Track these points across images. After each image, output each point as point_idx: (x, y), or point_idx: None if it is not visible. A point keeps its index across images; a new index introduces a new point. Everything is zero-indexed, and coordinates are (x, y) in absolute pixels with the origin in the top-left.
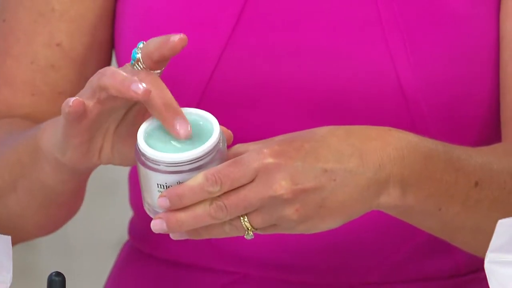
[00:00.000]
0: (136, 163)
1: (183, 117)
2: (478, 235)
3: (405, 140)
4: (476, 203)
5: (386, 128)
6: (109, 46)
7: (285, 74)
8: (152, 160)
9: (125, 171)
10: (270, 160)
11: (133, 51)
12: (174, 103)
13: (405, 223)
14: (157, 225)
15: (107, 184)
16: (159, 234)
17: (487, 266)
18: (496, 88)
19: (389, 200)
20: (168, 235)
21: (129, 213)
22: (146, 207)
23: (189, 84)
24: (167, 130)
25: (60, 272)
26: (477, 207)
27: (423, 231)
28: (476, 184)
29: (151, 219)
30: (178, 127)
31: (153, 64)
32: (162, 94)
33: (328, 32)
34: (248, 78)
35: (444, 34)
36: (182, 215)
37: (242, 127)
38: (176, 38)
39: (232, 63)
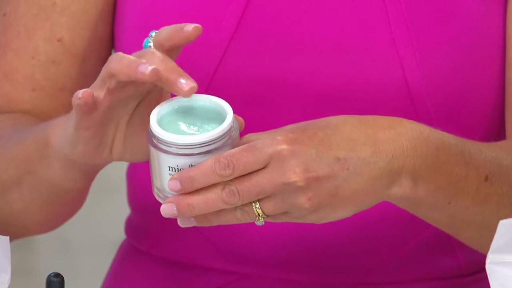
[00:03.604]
0: (148, 150)
1: (187, 76)
2: (485, 230)
3: (417, 131)
4: (485, 197)
5: (399, 118)
6: (109, 42)
7: (291, 69)
8: (164, 142)
9: (123, 170)
10: (284, 146)
11: (145, 40)
12: (177, 67)
13: (407, 222)
14: (167, 209)
15: (105, 184)
16: (157, 232)
17: (488, 266)
18: (502, 86)
19: (400, 191)
20: (167, 234)
21: (128, 212)
22: (155, 192)
23: (194, 78)
24: (173, 91)
25: (58, 273)
26: (486, 202)
27: (424, 230)
28: (486, 178)
29: (149, 217)
30: (182, 83)
31: (165, 52)
32: (166, 63)
33: (335, 28)
34: (253, 73)
35: (452, 32)
36: (193, 199)
37: (248, 121)
38: (190, 28)
39: (237, 58)
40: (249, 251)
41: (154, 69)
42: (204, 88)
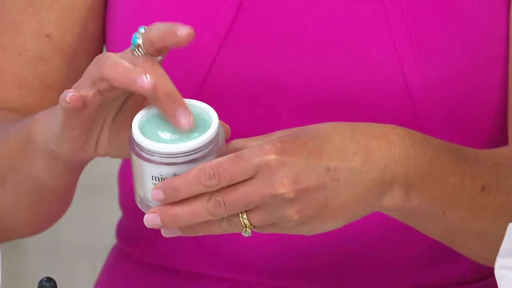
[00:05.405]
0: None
1: (185, 107)
2: (482, 240)
3: (410, 140)
4: (482, 208)
5: (391, 126)
6: (100, 38)
7: (286, 69)
8: (147, 151)
9: (116, 171)
10: (272, 156)
11: (133, 35)
12: (176, 92)
13: (409, 228)
14: (150, 220)
15: (97, 187)
16: (149, 237)
17: (497, 271)
18: (506, 88)
19: (392, 202)
20: (159, 239)
21: (120, 215)
22: (137, 201)
23: (187, 79)
24: (169, 121)
25: (50, 278)
26: (483, 212)
27: (427, 236)
28: (483, 188)
29: (141, 220)
30: (180, 118)
31: (155, 51)
32: (163, 83)
33: (331, 27)
34: (247, 73)
35: (452, 32)
36: (178, 210)
37: (241, 122)
38: (184, 33)
39: (230, 57)
40: (243, 258)
41: (153, 83)
42: (197, 87)
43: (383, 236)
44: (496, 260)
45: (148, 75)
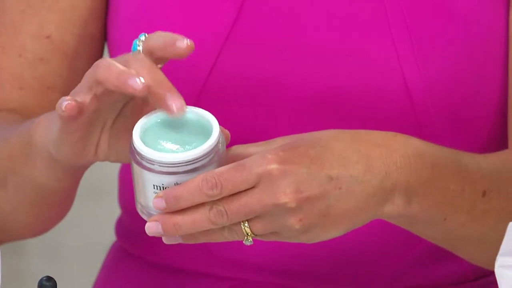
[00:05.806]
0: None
1: (175, 91)
2: (482, 246)
3: (412, 147)
4: (482, 213)
5: (392, 133)
6: (101, 39)
7: (287, 70)
8: (147, 160)
9: (116, 172)
10: (274, 166)
11: (133, 42)
12: (165, 80)
13: (410, 232)
14: (152, 228)
15: (97, 187)
16: (149, 236)
17: (497, 270)
18: (506, 88)
19: (393, 209)
20: (159, 238)
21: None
22: (138, 208)
23: (188, 79)
24: (160, 107)
25: (51, 277)
26: (484, 217)
27: None
28: (484, 194)
29: (141, 220)
30: (170, 102)
31: (155, 60)
32: (152, 74)
33: (332, 28)
34: (249, 74)
35: (452, 32)
36: (179, 219)
37: (241, 122)
38: (183, 45)
39: (232, 58)
40: (248, 257)
41: (144, 85)
42: (199, 88)
43: (384, 242)
44: (496, 259)
45: (141, 78)
